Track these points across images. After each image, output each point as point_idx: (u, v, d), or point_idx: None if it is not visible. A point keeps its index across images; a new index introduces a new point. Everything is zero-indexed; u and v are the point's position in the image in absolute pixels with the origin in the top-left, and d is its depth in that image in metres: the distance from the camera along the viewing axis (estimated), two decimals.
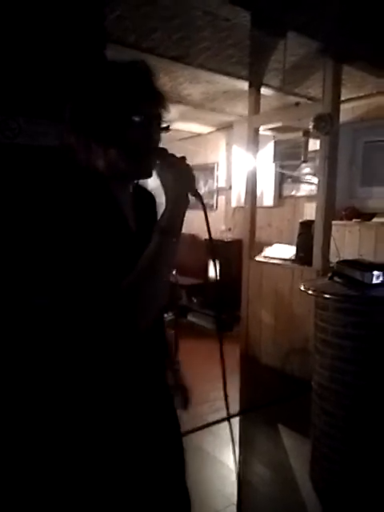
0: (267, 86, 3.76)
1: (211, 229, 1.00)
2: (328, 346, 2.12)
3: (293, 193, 5.00)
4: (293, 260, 3.66)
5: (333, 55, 3.02)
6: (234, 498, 2.16)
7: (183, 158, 0.92)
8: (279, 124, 4.01)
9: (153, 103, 0.93)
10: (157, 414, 1.04)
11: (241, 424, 2.89)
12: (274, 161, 4.92)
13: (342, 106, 3.30)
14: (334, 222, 3.40)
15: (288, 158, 4.75)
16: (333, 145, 3.22)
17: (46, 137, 1.94)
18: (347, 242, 4.07)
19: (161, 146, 0.95)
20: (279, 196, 5.16)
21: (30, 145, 1.89)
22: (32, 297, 1.95)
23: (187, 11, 2.47)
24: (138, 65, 0.93)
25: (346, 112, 4.01)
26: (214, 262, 1.10)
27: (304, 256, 3.49)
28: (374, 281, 2.08)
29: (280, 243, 4.11)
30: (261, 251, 4.01)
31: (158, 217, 0.90)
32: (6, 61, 1.86)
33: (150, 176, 0.96)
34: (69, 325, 0.90)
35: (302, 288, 2.25)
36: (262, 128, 3.97)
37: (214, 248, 1.13)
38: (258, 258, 3.90)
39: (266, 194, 5.17)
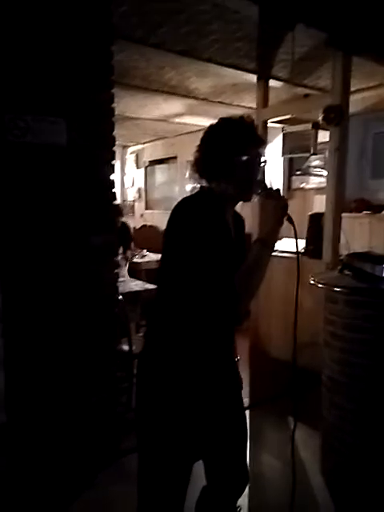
0: (276, 77, 3.72)
1: None
2: (337, 339, 2.12)
3: (302, 185, 4.97)
4: (302, 253, 3.64)
5: (342, 46, 2.98)
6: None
7: (278, 190, 1.28)
8: (288, 116, 3.97)
9: (255, 147, 1.27)
10: (234, 381, 1.49)
11: (251, 417, 2.91)
12: (283, 153, 4.88)
13: (352, 97, 3.26)
14: (343, 215, 3.37)
15: (297, 150, 4.69)
16: (342, 136, 3.19)
17: (53, 135, 1.95)
18: (357, 234, 4.04)
19: (260, 179, 1.31)
20: (288, 188, 5.13)
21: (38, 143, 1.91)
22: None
23: (195, 5, 2.45)
24: (244, 119, 1.28)
25: (356, 103, 3.95)
26: (297, 278, 1.26)
27: (314, 249, 3.47)
28: None
29: (289, 237, 4.09)
30: None
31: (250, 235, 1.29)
32: (13, 59, 1.87)
33: (250, 200, 1.34)
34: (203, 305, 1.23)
35: (312, 281, 2.24)
36: (270, 120, 3.94)
37: (298, 262, 1.44)
38: None
39: (275, 187, 5.14)
